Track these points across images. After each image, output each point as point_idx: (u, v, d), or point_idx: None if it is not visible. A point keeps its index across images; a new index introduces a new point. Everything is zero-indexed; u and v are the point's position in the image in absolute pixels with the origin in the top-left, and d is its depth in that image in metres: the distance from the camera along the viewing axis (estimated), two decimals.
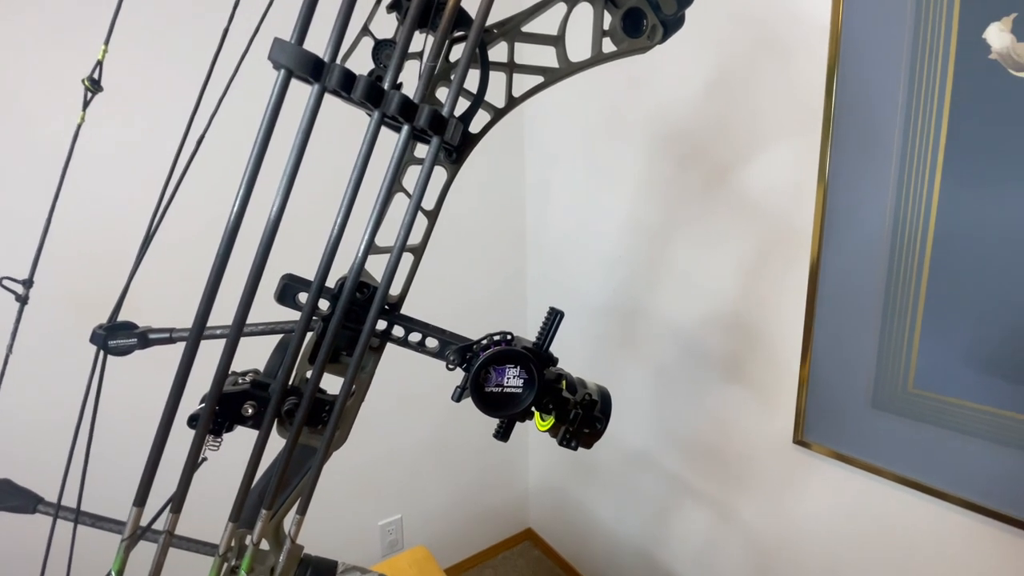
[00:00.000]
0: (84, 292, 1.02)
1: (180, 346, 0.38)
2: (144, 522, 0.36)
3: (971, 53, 0.71)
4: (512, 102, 0.41)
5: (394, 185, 0.33)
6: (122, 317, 0.42)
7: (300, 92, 0.32)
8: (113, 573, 0.34)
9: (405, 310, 0.41)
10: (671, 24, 0.41)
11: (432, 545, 1.65)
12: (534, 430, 1.84)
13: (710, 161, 1.10)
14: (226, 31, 0.35)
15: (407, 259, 0.39)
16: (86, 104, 0.36)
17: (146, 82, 1.04)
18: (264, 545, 0.42)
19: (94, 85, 0.36)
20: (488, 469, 1.80)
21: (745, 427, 1.10)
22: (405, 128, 0.32)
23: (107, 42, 0.36)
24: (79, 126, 0.36)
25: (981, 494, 0.76)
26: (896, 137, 0.79)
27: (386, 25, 0.39)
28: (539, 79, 0.41)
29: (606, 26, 0.41)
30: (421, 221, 0.39)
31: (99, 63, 0.36)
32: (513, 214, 1.70)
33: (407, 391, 1.52)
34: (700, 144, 1.11)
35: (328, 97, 0.33)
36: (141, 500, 0.33)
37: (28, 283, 0.37)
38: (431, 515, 1.68)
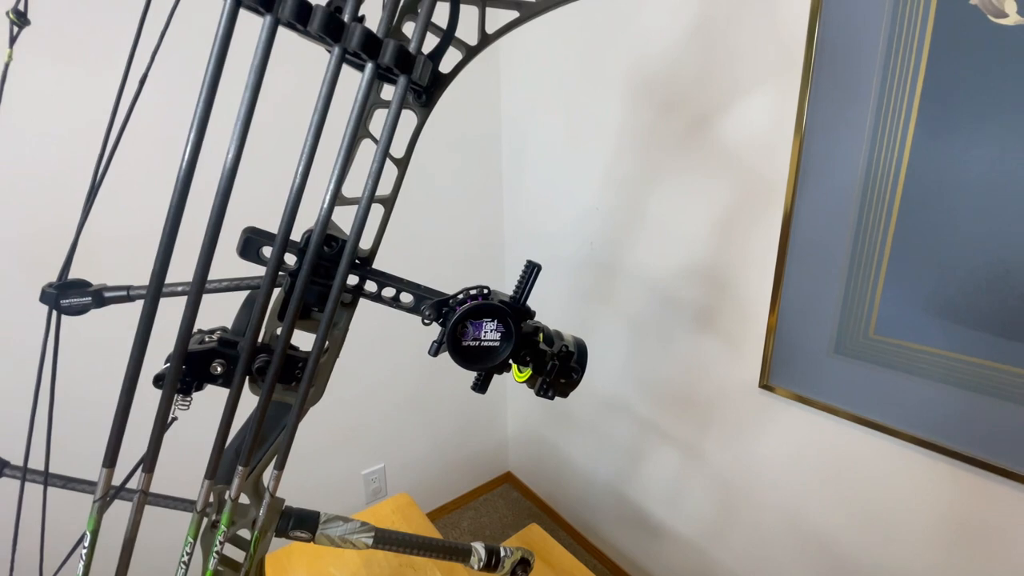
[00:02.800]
0: (32, 249, 0.96)
1: (141, 304, 0.36)
2: (117, 482, 0.36)
3: None
4: (485, 39, 0.38)
5: (359, 130, 0.31)
6: (82, 275, 0.40)
7: (254, 25, 0.29)
8: (88, 533, 0.34)
9: (377, 264, 0.39)
10: None
11: (415, 491, 1.71)
12: (512, 379, 1.88)
13: (688, 110, 1.07)
14: None
15: (377, 211, 0.37)
16: (13, 40, 0.32)
17: (79, 14, 0.94)
18: (244, 499, 0.42)
19: (20, 18, 0.32)
20: (469, 417, 1.84)
21: (714, 373, 1.14)
22: (369, 66, 0.29)
23: None
24: (7, 64, 0.32)
25: (932, 431, 0.81)
26: (874, 86, 0.79)
27: None
28: (514, 14, 0.39)
29: None
30: (391, 170, 0.37)
31: None
32: (488, 166, 1.65)
33: (387, 343, 1.52)
34: (679, 92, 1.09)
35: (286, 32, 0.30)
36: (110, 461, 0.32)
37: None
38: (414, 463, 1.73)
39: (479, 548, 0.51)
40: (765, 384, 1.03)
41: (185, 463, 0.71)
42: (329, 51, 0.29)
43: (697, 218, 1.11)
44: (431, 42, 0.36)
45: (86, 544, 0.34)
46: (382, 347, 1.52)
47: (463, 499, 1.91)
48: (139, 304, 0.36)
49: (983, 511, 0.79)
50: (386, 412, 1.61)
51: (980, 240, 0.72)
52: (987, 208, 0.71)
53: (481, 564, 0.50)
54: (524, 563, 0.52)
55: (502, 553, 0.51)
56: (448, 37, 0.35)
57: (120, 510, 0.37)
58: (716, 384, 1.14)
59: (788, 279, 0.95)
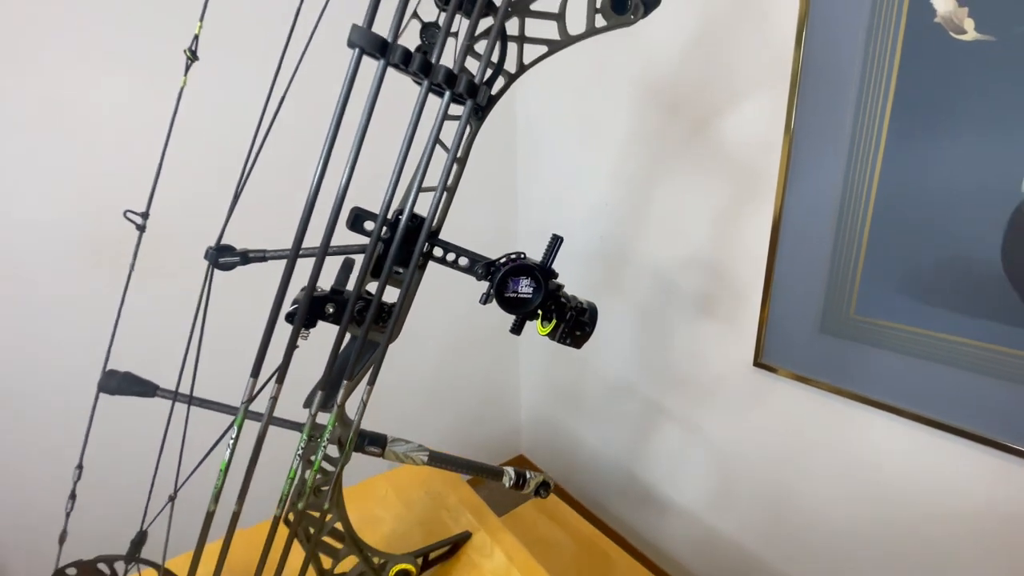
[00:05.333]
0: (185, 227, 1.11)
1: (267, 265, 0.49)
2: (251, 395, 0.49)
3: (920, 16, 0.80)
4: (522, 68, 0.51)
5: (436, 139, 0.44)
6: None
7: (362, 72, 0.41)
8: (235, 426, 0.47)
9: None
10: (651, 2, 0.51)
11: None
12: (526, 367, 1.99)
13: (690, 114, 1.19)
14: (297, 15, 0.45)
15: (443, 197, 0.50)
16: (187, 71, 0.45)
17: (231, 54, 1.12)
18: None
19: (192, 55, 0.46)
20: (483, 402, 1.96)
21: (713, 354, 1.26)
22: (447, 94, 0.42)
23: (201, 19, 0.44)
24: (182, 88, 0.46)
25: (912, 403, 0.91)
26: (852, 95, 0.89)
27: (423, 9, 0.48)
28: (544, 49, 0.51)
29: (598, 4, 0.51)
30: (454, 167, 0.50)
31: (196, 37, 0.45)
32: (504, 165, 1.76)
33: (408, 332, 1.65)
34: (681, 97, 1.20)
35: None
36: (255, 372, 0.45)
37: (145, 215, 0.48)
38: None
39: (510, 471, 0.64)
40: (759, 362, 1.14)
41: (293, 390, 0.85)
42: (418, 83, 0.42)
43: (698, 213, 1.22)
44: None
45: (233, 435, 0.47)
46: (403, 337, 1.64)
47: (475, 481, 2.03)
48: (271, 264, 0.49)
49: (972, 479, 0.87)
50: (401, 396, 1.71)
51: (942, 233, 0.83)
52: (948, 205, 0.82)
53: (511, 483, 0.63)
54: (545, 485, 0.65)
55: (528, 476, 0.64)
56: (498, 70, 0.48)
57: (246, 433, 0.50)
58: (714, 364, 1.26)
59: (779, 266, 1.06)
